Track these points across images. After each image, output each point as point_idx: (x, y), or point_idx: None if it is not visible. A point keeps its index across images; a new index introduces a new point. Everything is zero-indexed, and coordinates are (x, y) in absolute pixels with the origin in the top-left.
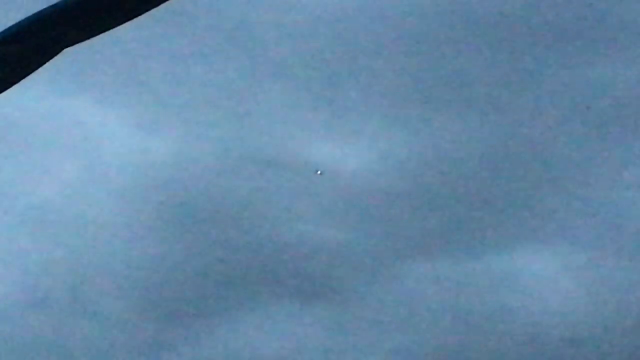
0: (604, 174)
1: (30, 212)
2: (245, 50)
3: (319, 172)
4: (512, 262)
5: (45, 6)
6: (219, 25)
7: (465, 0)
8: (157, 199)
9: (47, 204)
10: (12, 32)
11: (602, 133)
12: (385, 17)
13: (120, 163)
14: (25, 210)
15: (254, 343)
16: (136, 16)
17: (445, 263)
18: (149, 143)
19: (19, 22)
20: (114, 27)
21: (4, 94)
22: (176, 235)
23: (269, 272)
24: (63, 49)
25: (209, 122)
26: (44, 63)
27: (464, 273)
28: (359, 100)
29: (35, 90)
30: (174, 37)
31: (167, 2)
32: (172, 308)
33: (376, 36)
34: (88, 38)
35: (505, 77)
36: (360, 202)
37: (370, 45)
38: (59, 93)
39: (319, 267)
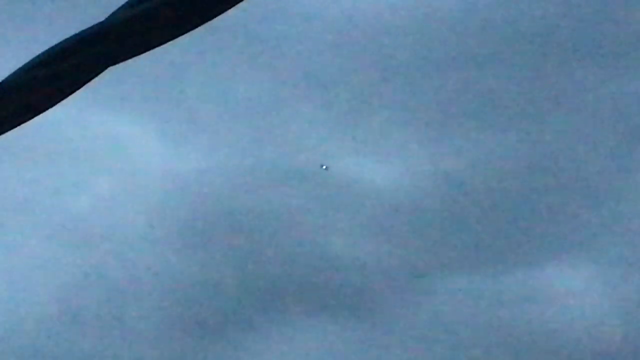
0: (636, 188)
1: (64, 226)
2: (276, 66)
3: (324, 167)
4: (543, 276)
5: (91, 24)
6: (249, 41)
7: (498, 17)
8: (189, 213)
9: (80, 218)
10: (58, 50)
11: (635, 147)
12: (416, 32)
13: (153, 177)
14: (58, 224)
15: (284, 358)
16: (182, 34)
17: (476, 278)
18: (181, 157)
19: (65, 39)
20: (159, 45)
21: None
22: (208, 250)
23: (299, 287)
24: (108, 66)
25: (240, 137)
26: (89, 81)
27: (495, 288)
28: (389, 115)
29: (68, 105)
30: (206, 54)
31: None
32: (203, 322)
33: (406, 52)
34: (133, 56)
35: (537, 92)
36: (391, 217)
37: (400, 60)
38: (93, 107)
39: (349, 282)
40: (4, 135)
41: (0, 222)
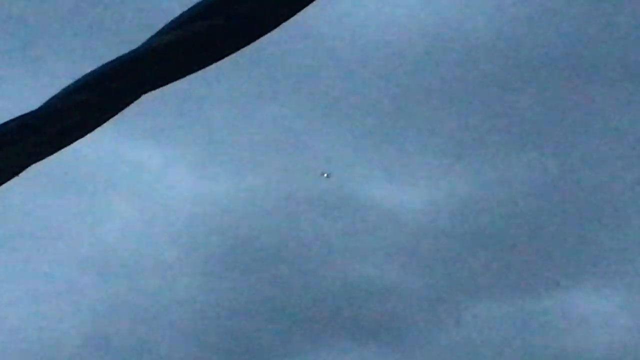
0: None
1: (93, 254)
2: (302, 93)
3: (325, 175)
4: (572, 301)
5: (126, 52)
6: (278, 68)
7: (524, 42)
8: (216, 240)
9: (108, 245)
10: (94, 77)
11: None
12: (444, 59)
13: (181, 206)
14: (87, 252)
15: None
16: (216, 61)
17: (505, 303)
18: (208, 185)
19: (101, 66)
20: (194, 72)
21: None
22: (236, 277)
23: (328, 312)
24: (143, 93)
25: (267, 164)
26: (124, 108)
27: (524, 313)
28: (419, 141)
29: (96, 133)
30: (234, 80)
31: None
32: (232, 349)
33: (435, 78)
34: (168, 83)
35: (562, 116)
36: (420, 243)
37: (429, 87)
38: (121, 135)
39: (378, 307)
40: (36, 163)
41: (31, 249)
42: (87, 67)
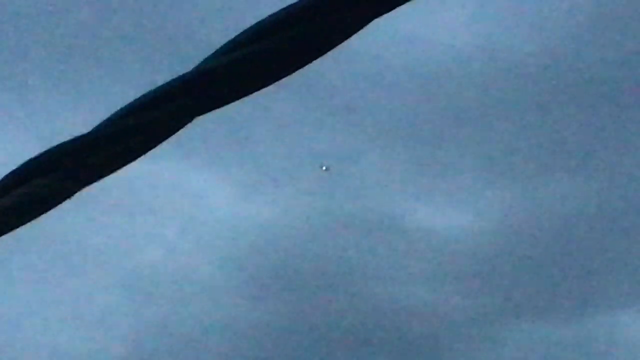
0: None
1: (134, 275)
2: (346, 115)
3: (324, 168)
4: (617, 323)
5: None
6: (318, 92)
7: (567, 64)
8: (255, 262)
9: (149, 267)
10: (146, 100)
11: None
12: (484, 78)
13: (221, 227)
14: (128, 273)
15: None
16: (269, 85)
17: (547, 325)
18: (251, 207)
19: (154, 89)
20: (247, 95)
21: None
22: (274, 298)
23: (371, 334)
24: (196, 116)
25: (310, 186)
26: (176, 131)
27: (566, 335)
28: (461, 163)
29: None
30: (275, 104)
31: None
32: None
33: (473, 98)
34: (221, 106)
35: (608, 137)
36: (458, 263)
37: (467, 107)
38: (163, 157)
39: (417, 329)
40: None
41: (72, 270)
42: (139, 90)
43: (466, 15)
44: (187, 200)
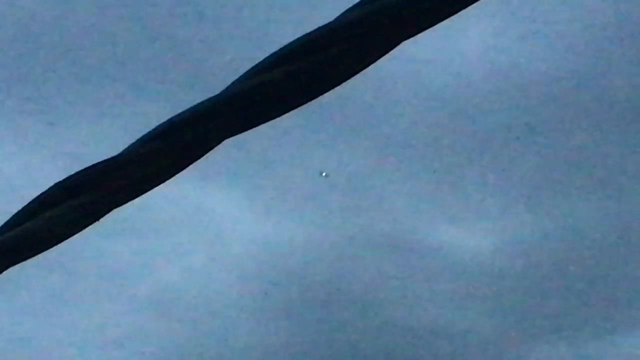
0: None
1: (155, 297)
2: (367, 135)
3: (323, 174)
4: (633, 346)
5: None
6: (339, 110)
7: (593, 85)
8: (280, 284)
9: (171, 288)
10: (176, 122)
11: None
12: (507, 98)
13: (245, 249)
14: (149, 295)
15: None
16: (298, 107)
17: (570, 346)
18: (272, 228)
19: (183, 111)
20: (277, 117)
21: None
22: (299, 321)
23: (390, 354)
24: (225, 138)
25: (332, 206)
26: (205, 153)
27: (590, 355)
28: (483, 183)
29: None
30: (299, 123)
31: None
32: None
33: (497, 117)
34: (250, 128)
35: (629, 161)
36: (483, 284)
37: (491, 126)
38: (184, 178)
39: (441, 349)
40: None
41: (93, 292)
42: (169, 112)
43: (489, 35)
44: (208, 220)
